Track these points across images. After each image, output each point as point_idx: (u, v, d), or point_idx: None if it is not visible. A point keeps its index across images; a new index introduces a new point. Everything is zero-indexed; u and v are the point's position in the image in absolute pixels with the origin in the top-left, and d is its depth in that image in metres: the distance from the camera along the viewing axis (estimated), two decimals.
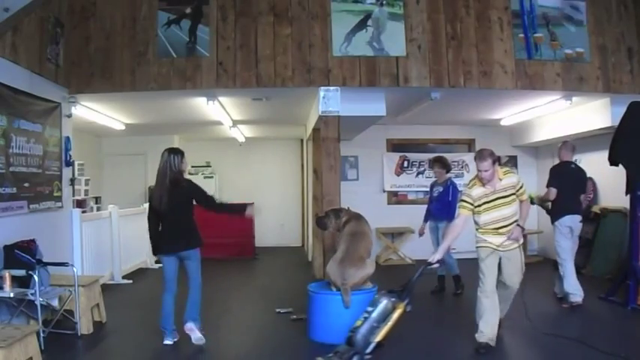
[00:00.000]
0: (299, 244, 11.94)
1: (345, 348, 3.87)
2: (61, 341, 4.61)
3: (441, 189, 6.72)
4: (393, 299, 3.96)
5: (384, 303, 3.94)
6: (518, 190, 4.48)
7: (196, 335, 4.58)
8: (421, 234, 7.27)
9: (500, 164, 4.54)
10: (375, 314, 3.90)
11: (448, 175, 6.89)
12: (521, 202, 4.53)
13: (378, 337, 3.86)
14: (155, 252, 4.78)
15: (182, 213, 4.55)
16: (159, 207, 4.54)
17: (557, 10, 6.25)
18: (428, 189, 7.29)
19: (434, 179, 7.19)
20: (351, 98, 6.07)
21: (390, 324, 3.91)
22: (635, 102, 5.81)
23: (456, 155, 9.97)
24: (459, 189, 6.49)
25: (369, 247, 5.02)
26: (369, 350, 3.84)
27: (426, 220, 6.91)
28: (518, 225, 4.43)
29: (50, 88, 5.61)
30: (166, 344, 4.60)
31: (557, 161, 6.29)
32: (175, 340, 4.66)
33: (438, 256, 4.38)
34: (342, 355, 3.81)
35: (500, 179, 4.44)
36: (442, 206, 6.62)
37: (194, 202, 4.62)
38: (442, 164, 6.82)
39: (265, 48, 5.96)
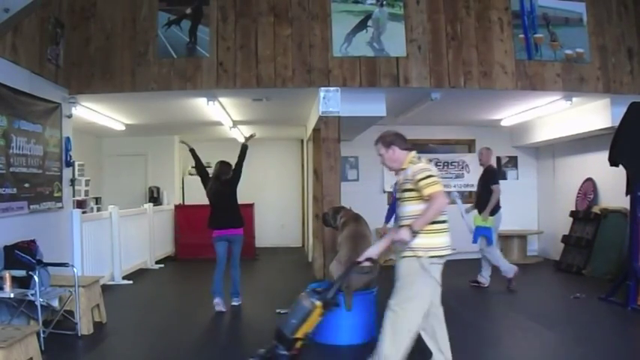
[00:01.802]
0: (299, 244, 11.94)
1: (273, 342, 3.82)
2: (62, 342, 4.60)
3: None
4: (312, 299, 3.80)
5: (302, 303, 3.83)
6: (417, 184, 3.44)
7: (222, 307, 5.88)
8: (381, 236, 7.17)
9: (397, 148, 3.65)
10: (294, 311, 3.82)
11: None
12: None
13: (298, 334, 3.78)
14: (209, 226, 6.12)
15: (228, 204, 6.11)
16: (212, 199, 6.14)
17: (558, 10, 6.25)
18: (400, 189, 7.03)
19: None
20: (351, 99, 6.07)
21: (307, 323, 3.77)
22: (636, 102, 5.81)
23: (457, 156, 9.97)
24: None
25: None
26: (289, 345, 3.76)
27: (387, 220, 6.66)
28: (409, 225, 3.41)
29: (50, 88, 5.62)
30: (217, 304, 5.83)
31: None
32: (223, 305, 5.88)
33: (368, 255, 3.80)
34: (270, 349, 3.82)
35: (404, 169, 3.63)
36: None
37: (237, 193, 6.23)
38: None
39: (265, 48, 5.96)
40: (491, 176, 6.95)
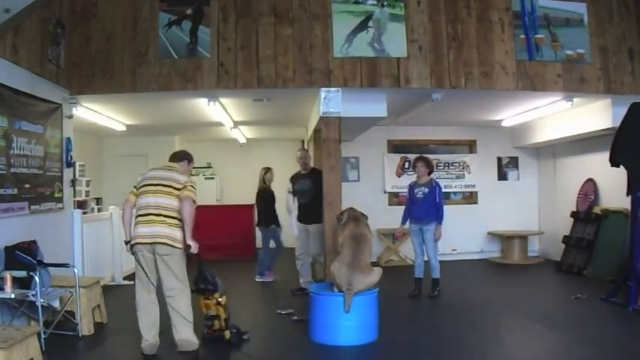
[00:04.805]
0: None
1: None
2: (62, 342, 4.60)
3: (426, 190, 6.54)
4: None
5: None
6: None
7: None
8: (399, 236, 7.22)
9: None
10: None
11: (430, 175, 6.73)
12: None
13: None
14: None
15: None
16: None
17: (558, 11, 6.25)
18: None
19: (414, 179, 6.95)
20: (352, 99, 6.06)
21: None
22: (636, 103, 5.81)
23: (457, 156, 9.97)
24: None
25: (371, 251, 5.04)
26: None
27: (404, 221, 6.73)
28: None
29: (51, 89, 5.62)
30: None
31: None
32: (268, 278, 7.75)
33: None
34: None
35: None
36: (429, 208, 6.47)
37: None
38: (426, 164, 6.70)
39: (266, 49, 5.96)
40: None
